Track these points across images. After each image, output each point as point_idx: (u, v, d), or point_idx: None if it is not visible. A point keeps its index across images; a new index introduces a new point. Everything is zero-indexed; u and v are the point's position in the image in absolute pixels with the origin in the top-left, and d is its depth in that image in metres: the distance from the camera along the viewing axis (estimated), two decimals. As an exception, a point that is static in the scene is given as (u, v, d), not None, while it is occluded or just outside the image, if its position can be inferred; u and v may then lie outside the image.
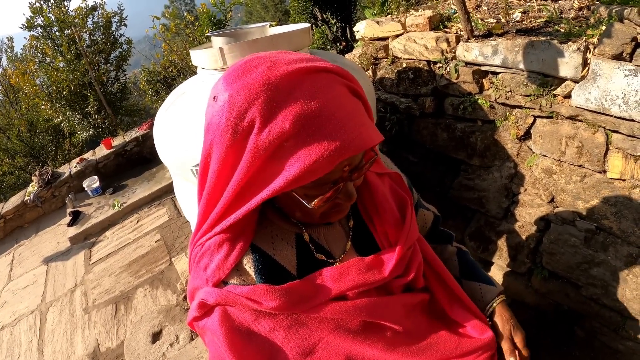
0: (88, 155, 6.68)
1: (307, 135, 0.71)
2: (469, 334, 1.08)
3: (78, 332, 3.70)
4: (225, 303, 0.89)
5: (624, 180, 2.29)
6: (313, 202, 0.82)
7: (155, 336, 3.32)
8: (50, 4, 9.40)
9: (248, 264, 0.92)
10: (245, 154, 0.74)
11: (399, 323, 0.98)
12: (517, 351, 1.10)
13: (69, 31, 9.14)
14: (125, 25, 10.19)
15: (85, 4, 9.50)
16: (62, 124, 9.54)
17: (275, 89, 0.72)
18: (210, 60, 2.16)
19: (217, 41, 2.31)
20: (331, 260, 0.99)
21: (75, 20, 9.20)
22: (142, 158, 6.59)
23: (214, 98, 0.78)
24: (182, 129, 2.18)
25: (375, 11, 4.10)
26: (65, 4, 9.57)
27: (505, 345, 1.10)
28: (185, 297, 3.62)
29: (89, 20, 9.55)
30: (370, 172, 1.08)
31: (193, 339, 3.17)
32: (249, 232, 0.93)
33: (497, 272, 2.90)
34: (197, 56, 2.26)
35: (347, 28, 6.40)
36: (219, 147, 0.77)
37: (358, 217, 1.07)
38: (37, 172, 6.29)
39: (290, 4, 7.22)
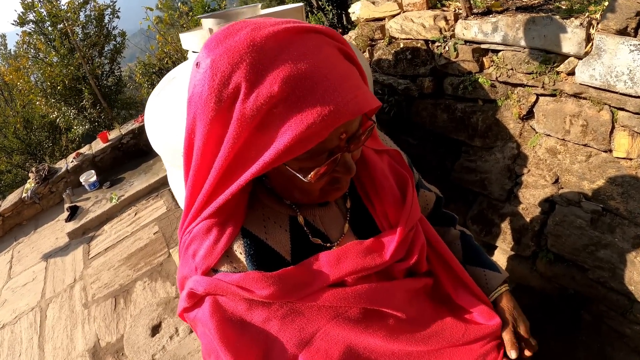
0: (84, 150, 6.65)
1: (298, 98, 0.65)
2: (476, 320, 1.03)
3: (78, 327, 3.69)
4: (215, 292, 0.83)
5: (631, 159, 2.24)
6: (309, 176, 0.75)
7: (155, 329, 3.30)
8: (41, -1, 9.35)
9: (239, 250, 0.87)
10: (231, 125, 0.68)
11: (402, 310, 0.93)
12: (523, 342, 1.06)
13: (62, 25, 9.10)
14: (118, 17, 10.14)
15: (77, -3, 9.45)
16: (58, 120, 9.53)
17: (261, 51, 0.65)
18: (200, 42, 2.11)
19: (207, 23, 2.25)
20: (328, 244, 0.93)
21: (67, 14, 9.15)
22: (139, 150, 6.57)
23: (197, 66, 0.71)
24: (173, 114, 2.13)
25: (371, -4, 4.04)
26: (57, -2, 9.51)
27: (506, 336, 1.04)
28: (184, 289, 3.59)
29: (81, 13, 9.51)
30: (367, 149, 1.03)
31: (192, 331, 3.13)
32: (239, 215, 0.88)
33: (501, 256, 2.86)
34: (187, 39, 2.21)
35: (343, 14, 6.36)
36: (202, 120, 0.70)
37: (356, 197, 1.01)
38: (33, 169, 6.28)
39: (285, -8, 7.17)
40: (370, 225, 0.99)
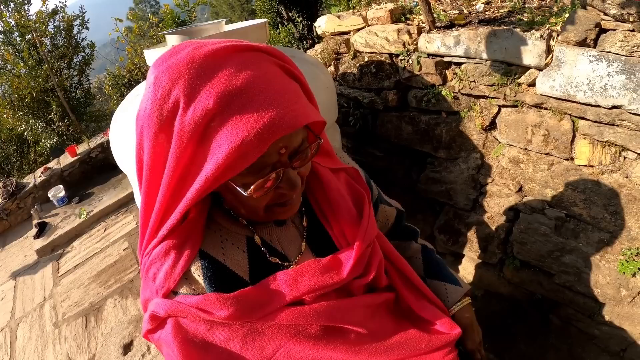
0: (52, 164, 6.51)
1: (233, 112, 0.67)
2: (439, 330, 1.05)
3: (49, 347, 3.59)
4: (175, 314, 0.84)
5: (592, 166, 2.29)
6: (249, 190, 0.75)
7: (127, 348, 3.23)
8: (10, 9, 9.14)
9: (197, 272, 0.87)
10: (173, 139, 0.70)
11: (362, 325, 0.94)
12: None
13: (30, 36, 8.90)
14: (87, 28, 9.97)
15: (46, 7, 9.26)
16: (26, 133, 9.30)
17: (199, 67, 0.69)
18: (163, 60, 2.08)
19: (172, 39, 2.24)
20: (286, 263, 0.94)
21: (36, 25, 8.96)
22: (108, 165, 6.45)
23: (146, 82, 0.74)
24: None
25: (341, 9, 4.06)
26: (26, 8, 9.31)
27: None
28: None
29: (49, 24, 9.31)
30: (323, 168, 1.03)
31: (164, 349, 3.09)
32: (196, 237, 0.88)
33: (468, 264, 2.90)
34: (151, 56, 2.18)
35: (313, 26, 6.39)
36: (148, 135, 0.72)
37: (312, 215, 1.02)
38: (1, 184, 6.12)
39: (255, 3, 7.16)
40: (328, 244, 0.99)
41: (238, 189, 0.76)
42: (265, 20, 2.31)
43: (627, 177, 2.21)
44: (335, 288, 0.93)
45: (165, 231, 0.82)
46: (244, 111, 0.67)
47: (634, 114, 2.03)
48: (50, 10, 9.33)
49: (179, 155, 0.70)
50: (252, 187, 0.75)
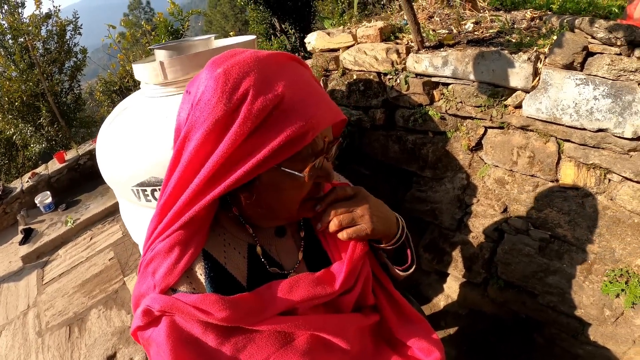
0: (40, 170, 6.46)
1: (296, 100, 0.78)
2: (416, 355, 1.06)
3: (32, 357, 3.55)
4: (171, 311, 0.84)
5: (577, 188, 2.31)
6: (304, 171, 0.83)
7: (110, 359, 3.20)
8: (4, 11, 9.09)
9: (199, 271, 0.89)
10: (234, 125, 0.76)
11: (349, 344, 0.95)
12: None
13: (22, 39, 8.86)
14: (80, 34, 9.93)
15: (40, 11, 9.22)
16: (15, 137, 9.22)
17: (266, 66, 0.79)
18: (151, 74, 2.08)
19: (160, 54, 2.23)
20: (285, 272, 0.98)
21: (29, 28, 8.92)
22: (96, 172, 6.32)
23: (208, 74, 0.80)
24: (123, 146, 2.09)
25: (334, 22, 4.07)
26: (20, 11, 9.27)
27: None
28: (140, 318, 3.50)
29: (42, 28, 9.27)
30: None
31: (147, 361, 3.06)
32: (201, 237, 0.91)
33: (453, 283, 2.91)
34: (139, 70, 2.18)
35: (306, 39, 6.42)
36: (207, 121, 0.77)
37: (308, 227, 1.06)
38: (-13, 188, 6.07)
39: (249, 14, 7.18)
40: (322, 255, 1.03)
41: (293, 172, 0.83)
42: (254, 37, 2.31)
43: (611, 200, 2.23)
44: (326, 301, 0.95)
45: (179, 224, 0.86)
46: (307, 100, 0.80)
47: (619, 137, 2.06)
48: (43, 14, 9.29)
49: (234, 140, 0.76)
50: (306, 168, 0.83)
